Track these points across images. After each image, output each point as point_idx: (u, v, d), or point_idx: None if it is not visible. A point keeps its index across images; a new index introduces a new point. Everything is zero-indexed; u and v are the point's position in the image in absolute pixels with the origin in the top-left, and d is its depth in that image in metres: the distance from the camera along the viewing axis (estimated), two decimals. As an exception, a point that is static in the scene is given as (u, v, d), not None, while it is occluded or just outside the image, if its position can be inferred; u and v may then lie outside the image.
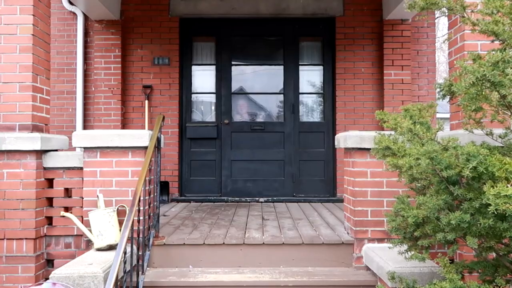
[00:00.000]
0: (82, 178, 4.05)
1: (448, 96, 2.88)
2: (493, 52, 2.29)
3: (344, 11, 6.98)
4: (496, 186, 1.90)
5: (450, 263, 2.59)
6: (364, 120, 6.90)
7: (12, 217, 3.98)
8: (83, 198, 4.04)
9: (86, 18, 7.11)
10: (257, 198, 6.80)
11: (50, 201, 4.21)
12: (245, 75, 7.11)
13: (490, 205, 1.93)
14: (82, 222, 3.92)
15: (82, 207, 4.06)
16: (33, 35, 4.13)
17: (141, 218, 3.72)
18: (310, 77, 7.18)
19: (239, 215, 5.35)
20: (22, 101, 4.10)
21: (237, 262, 3.95)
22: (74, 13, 7.13)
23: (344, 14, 6.98)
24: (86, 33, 7.19)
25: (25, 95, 4.10)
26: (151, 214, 4.10)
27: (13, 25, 4.11)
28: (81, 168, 4.08)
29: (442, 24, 20.25)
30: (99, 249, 3.74)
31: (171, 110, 6.93)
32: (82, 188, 4.05)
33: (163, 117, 4.54)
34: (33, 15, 4.13)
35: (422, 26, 7.18)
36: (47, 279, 3.77)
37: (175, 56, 6.99)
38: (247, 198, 6.76)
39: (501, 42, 2.45)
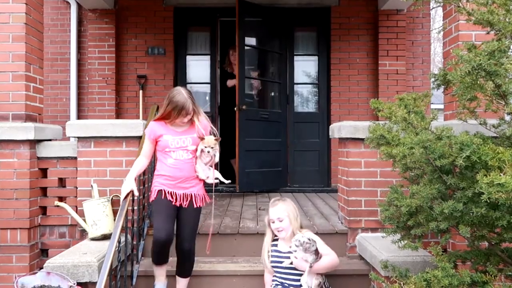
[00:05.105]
0: (76, 168, 4.04)
1: (443, 86, 2.88)
2: (489, 42, 2.29)
3: (340, 1, 6.95)
4: (489, 175, 1.90)
5: (443, 252, 2.61)
6: (358, 111, 6.90)
7: (6, 206, 3.97)
8: (77, 188, 4.03)
9: (79, 7, 7.06)
10: (252, 188, 6.78)
11: (44, 191, 4.20)
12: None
13: (483, 194, 1.94)
14: (76, 212, 3.91)
15: (76, 197, 4.05)
16: (26, 24, 4.09)
17: (135, 208, 3.72)
18: (305, 67, 7.16)
19: (234, 205, 5.36)
20: (15, 90, 4.07)
21: (231, 251, 3.97)
22: (68, 2, 7.07)
23: (339, 4, 6.96)
24: (79, 22, 7.13)
25: (18, 85, 4.08)
26: (146, 204, 4.10)
27: (6, 13, 4.07)
28: (75, 158, 4.06)
29: (438, 16, 20.23)
30: (93, 239, 3.74)
31: (165, 100, 6.89)
32: (76, 178, 4.04)
33: (158, 107, 4.50)
34: (25, 3, 4.09)
35: (417, 17, 7.17)
36: (41, 268, 3.76)
37: (169, 46, 6.95)
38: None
39: (496, 32, 2.45)
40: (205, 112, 6.77)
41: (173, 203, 3.35)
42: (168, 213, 3.34)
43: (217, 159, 3.51)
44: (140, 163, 3.45)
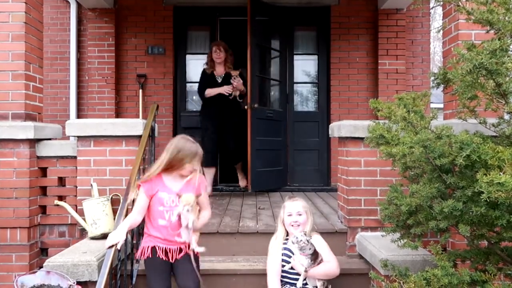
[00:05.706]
0: (76, 167, 4.03)
1: (442, 85, 2.89)
2: (491, 41, 2.29)
3: (339, 0, 6.95)
4: (489, 174, 1.90)
5: (443, 251, 2.61)
6: (358, 110, 6.90)
7: (6, 206, 3.97)
8: (77, 187, 4.03)
9: (79, 6, 7.05)
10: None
11: (43, 190, 4.20)
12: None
13: (482, 193, 1.95)
14: (76, 211, 3.91)
15: (76, 196, 4.05)
16: (25, 23, 4.08)
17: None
18: (305, 66, 7.17)
19: (234, 204, 5.36)
20: (14, 89, 4.07)
21: (231, 250, 3.96)
22: (67, 1, 7.07)
23: (339, 3, 6.95)
24: (79, 22, 7.13)
25: (17, 84, 4.07)
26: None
27: (5, 12, 4.06)
28: (75, 157, 4.06)
29: (438, 15, 20.24)
30: (93, 238, 3.74)
31: (165, 99, 6.89)
32: (76, 177, 4.03)
33: (157, 106, 4.51)
34: (25, 2, 4.08)
35: (417, 16, 7.17)
36: (41, 267, 3.76)
37: (169, 45, 6.95)
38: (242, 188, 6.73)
39: (495, 31, 2.46)
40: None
41: (167, 259, 3.10)
42: (163, 270, 3.09)
43: (190, 224, 3.04)
44: (134, 220, 3.10)
